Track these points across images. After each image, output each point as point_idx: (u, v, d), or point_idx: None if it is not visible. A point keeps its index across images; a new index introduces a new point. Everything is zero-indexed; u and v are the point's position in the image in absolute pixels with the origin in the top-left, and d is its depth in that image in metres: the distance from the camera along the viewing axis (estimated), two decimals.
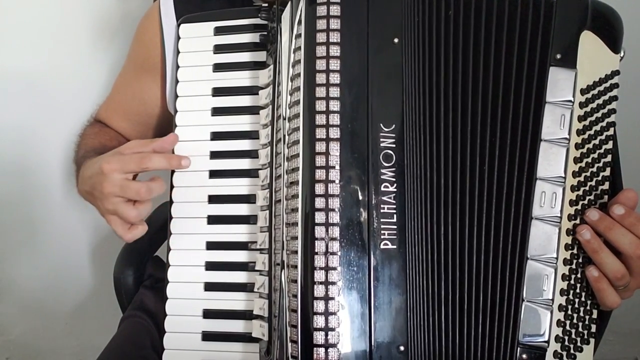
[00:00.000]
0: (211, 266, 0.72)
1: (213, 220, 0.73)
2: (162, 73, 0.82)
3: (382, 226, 0.61)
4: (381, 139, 0.62)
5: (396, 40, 0.63)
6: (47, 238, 1.36)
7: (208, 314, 0.71)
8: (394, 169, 0.62)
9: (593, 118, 0.63)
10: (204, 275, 0.72)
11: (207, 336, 0.71)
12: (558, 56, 0.63)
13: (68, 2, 1.19)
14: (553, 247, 0.61)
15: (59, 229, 1.34)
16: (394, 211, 0.61)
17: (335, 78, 0.62)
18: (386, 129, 0.62)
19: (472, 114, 0.63)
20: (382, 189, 0.61)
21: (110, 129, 0.93)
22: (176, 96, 0.75)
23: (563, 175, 0.62)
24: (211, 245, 0.72)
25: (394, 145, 0.62)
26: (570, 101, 0.63)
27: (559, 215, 0.61)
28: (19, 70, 1.23)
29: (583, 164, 0.63)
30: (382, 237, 0.61)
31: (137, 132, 0.92)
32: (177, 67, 0.75)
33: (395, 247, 0.61)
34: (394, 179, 0.62)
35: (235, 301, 0.71)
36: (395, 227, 0.61)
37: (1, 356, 1.47)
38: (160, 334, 0.73)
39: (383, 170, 0.62)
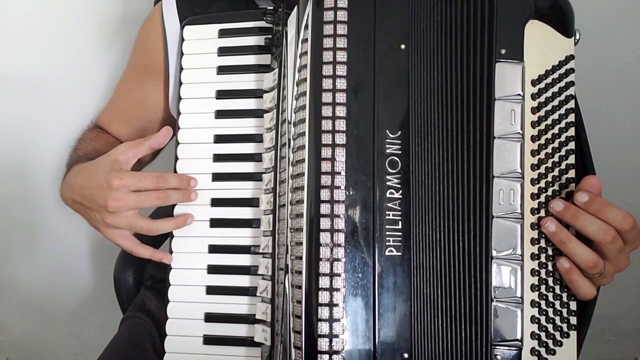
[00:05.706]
0: (213, 269, 0.72)
1: (216, 223, 0.73)
2: (164, 76, 0.82)
3: (387, 233, 0.61)
4: (387, 145, 0.62)
5: (403, 46, 0.63)
6: (47, 238, 1.35)
7: (210, 317, 0.71)
8: (399, 176, 0.62)
9: (549, 107, 0.63)
10: (206, 278, 0.72)
11: (209, 340, 0.71)
12: (503, 51, 0.62)
13: (69, 4, 1.19)
14: (516, 244, 0.61)
15: (59, 229, 1.34)
16: (399, 218, 0.61)
17: (341, 83, 0.61)
18: (392, 135, 0.62)
19: (460, 120, 0.63)
20: (388, 195, 0.61)
21: (109, 135, 0.92)
22: (180, 98, 0.75)
23: (519, 170, 0.61)
24: (213, 249, 0.72)
25: (399, 152, 0.62)
26: (519, 95, 0.62)
27: (519, 211, 0.61)
28: (19, 71, 1.23)
29: (542, 156, 0.62)
30: (387, 243, 0.61)
31: (137, 138, 0.90)
32: (181, 69, 0.75)
33: (400, 254, 0.61)
34: (399, 186, 0.62)
35: (237, 305, 0.71)
36: (400, 233, 0.61)
37: (1, 356, 1.47)
38: (161, 336, 0.73)
39: (388, 177, 0.61)
